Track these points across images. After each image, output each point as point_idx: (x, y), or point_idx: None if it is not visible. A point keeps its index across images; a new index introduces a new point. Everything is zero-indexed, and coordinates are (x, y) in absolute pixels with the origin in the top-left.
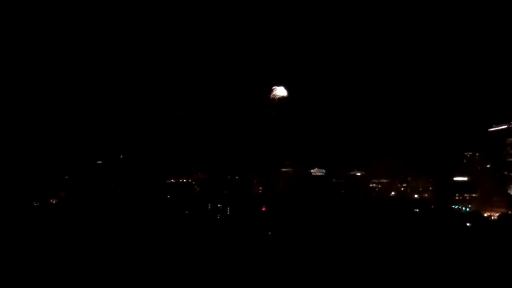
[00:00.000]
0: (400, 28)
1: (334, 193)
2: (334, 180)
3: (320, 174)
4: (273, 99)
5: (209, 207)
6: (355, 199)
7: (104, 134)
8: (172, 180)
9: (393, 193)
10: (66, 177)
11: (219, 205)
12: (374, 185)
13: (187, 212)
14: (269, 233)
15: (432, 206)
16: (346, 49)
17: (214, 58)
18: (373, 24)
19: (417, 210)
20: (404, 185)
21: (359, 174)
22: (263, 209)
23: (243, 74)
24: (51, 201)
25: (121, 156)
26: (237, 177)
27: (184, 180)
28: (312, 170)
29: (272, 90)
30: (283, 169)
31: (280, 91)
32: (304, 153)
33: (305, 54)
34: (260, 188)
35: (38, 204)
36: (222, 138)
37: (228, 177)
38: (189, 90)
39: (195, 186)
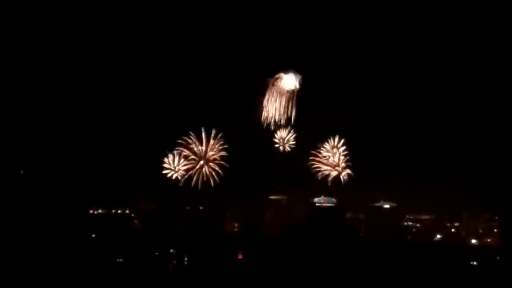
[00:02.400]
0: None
1: (349, 235)
2: (349, 215)
3: (328, 205)
4: (273, 90)
5: (157, 254)
6: (381, 245)
7: None
8: (99, 211)
9: (439, 236)
10: None
11: (172, 250)
12: (410, 223)
13: (121, 260)
14: None
15: (497, 258)
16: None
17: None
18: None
19: (475, 263)
20: (456, 224)
21: (387, 206)
22: (239, 256)
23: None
24: None
25: (22, 172)
26: (200, 207)
27: (119, 212)
28: (316, 199)
29: (275, 79)
30: (272, 197)
31: (287, 81)
32: (305, 173)
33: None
34: (236, 225)
35: None
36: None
37: (187, 207)
38: (129, 74)
39: (135, 221)
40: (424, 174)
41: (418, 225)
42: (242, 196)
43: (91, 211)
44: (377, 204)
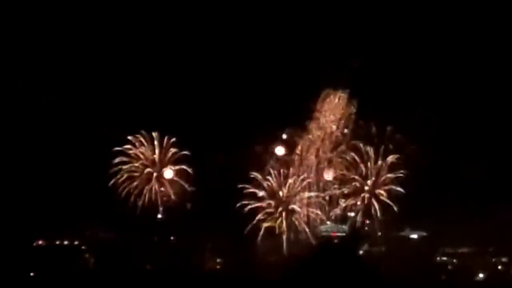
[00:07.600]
0: None
1: (365, 275)
2: (365, 248)
3: (338, 234)
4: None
5: None
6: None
7: None
8: (40, 243)
9: (481, 275)
10: None
11: None
12: (445, 258)
13: None
14: None
15: None
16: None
17: None
18: None
19: None
20: (504, 259)
21: (415, 236)
22: None
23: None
24: None
25: None
26: (172, 238)
27: (66, 243)
28: (323, 227)
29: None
30: (267, 224)
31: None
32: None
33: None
34: (218, 260)
35: None
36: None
37: (155, 238)
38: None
39: (86, 255)
40: (463, 193)
41: (455, 260)
42: (226, 223)
43: (32, 243)
44: (402, 234)
